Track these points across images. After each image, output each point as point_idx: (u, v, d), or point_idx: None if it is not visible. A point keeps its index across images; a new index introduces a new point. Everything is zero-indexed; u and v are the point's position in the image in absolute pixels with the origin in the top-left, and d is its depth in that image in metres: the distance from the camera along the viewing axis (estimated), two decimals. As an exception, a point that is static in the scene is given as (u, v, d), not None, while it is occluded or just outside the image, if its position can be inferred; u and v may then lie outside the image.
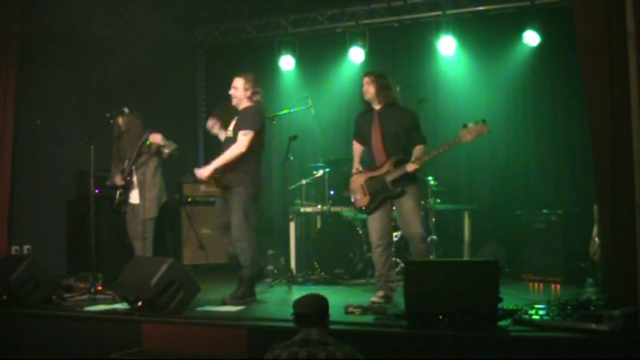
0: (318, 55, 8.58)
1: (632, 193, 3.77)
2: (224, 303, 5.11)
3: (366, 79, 5.26)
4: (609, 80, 4.21)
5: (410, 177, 5.14)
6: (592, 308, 4.00)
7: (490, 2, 7.57)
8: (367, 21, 8.15)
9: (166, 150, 6.06)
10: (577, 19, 4.50)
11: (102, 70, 7.29)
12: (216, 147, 9.20)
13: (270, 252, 7.64)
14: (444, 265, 4.39)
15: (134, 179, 6.12)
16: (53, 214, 7.15)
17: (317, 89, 8.10)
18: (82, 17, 7.06)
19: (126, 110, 6.02)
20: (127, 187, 6.11)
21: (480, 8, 7.62)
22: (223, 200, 5.45)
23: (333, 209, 7.08)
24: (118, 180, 6.11)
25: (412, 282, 4.04)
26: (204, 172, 5.33)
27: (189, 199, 8.02)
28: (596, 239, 5.64)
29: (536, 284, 6.21)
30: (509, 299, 4.48)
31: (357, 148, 5.52)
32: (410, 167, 5.05)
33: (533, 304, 4.43)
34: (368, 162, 5.39)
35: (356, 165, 5.48)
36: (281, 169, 6.77)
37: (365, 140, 5.38)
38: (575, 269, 6.11)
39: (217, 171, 5.28)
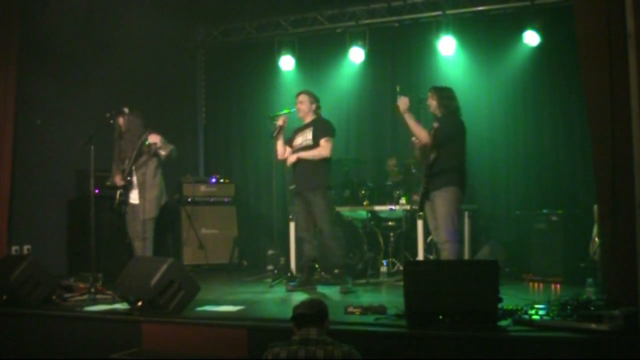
0: (318, 55, 8.59)
1: (632, 193, 3.77)
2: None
3: (429, 94, 5.57)
4: (609, 80, 4.20)
5: (439, 181, 5.31)
6: (592, 308, 3.99)
7: (490, 2, 7.57)
8: (367, 21, 8.14)
9: (163, 152, 6.06)
10: (577, 19, 4.50)
11: (103, 70, 7.29)
12: (216, 147, 9.27)
13: (270, 252, 7.64)
14: (444, 265, 4.39)
15: (134, 179, 6.12)
16: (53, 214, 7.15)
17: (317, 89, 8.08)
18: (82, 17, 7.07)
19: (126, 110, 6.02)
20: (127, 188, 6.11)
21: (480, 8, 7.61)
22: (301, 205, 6.00)
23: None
24: (118, 180, 6.11)
25: (412, 282, 4.04)
26: (292, 157, 6.01)
27: (189, 199, 8.02)
28: (596, 239, 5.64)
29: (536, 284, 6.21)
30: (509, 299, 4.47)
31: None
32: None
33: (533, 304, 4.43)
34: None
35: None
36: (281, 169, 6.76)
37: None
38: (575, 269, 6.11)
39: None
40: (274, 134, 6.13)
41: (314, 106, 6.07)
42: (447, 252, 5.22)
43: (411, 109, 5.40)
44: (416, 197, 5.91)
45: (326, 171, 5.99)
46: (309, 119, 6.08)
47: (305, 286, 5.95)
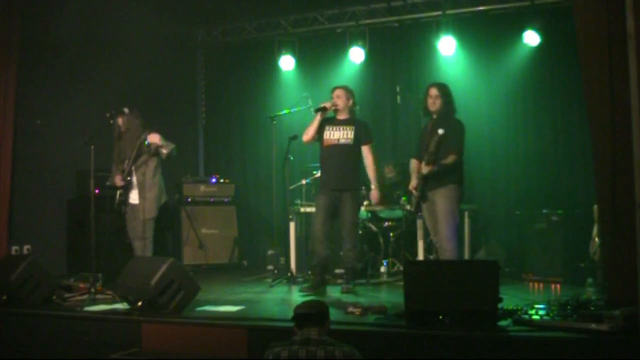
0: (318, 55, 8.58)
1: (632, 193, 3.77)
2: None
3: (435, 92, 5.52)
4: (609, 80, 4.20)
5: (438, 181, 5.33)
6: (592, 308, 4.00)
7: (490, 2, 7.57)
8: (367, 21, 8.14)
9: (164, 151, 6.07)
10: (577, 19, 4.50)
11: (103, 70, 7.29)
12: (216, 147, 9.27)
13: (270, 252, 7.65)
14: (444, 265, 4.39)
15: (134, 179, 6.13)
16: (53, 214, 7.15)
17: (317, 89, 8.10)
18: (82, 17, 7.07)
19: (126, 110, 6.03)
20: (127, 188, 6.12)
21: (480, 8, 7.61)
22: (328, 201, 5.83)
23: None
24: (118, 180, 6.12)
25: (412, 282, 4.04)
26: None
27: (189, 199, 8.02)
28: (596, 239, 5.64)
29: (536, 284, 6.21)
30: (509, 299, 4.48)
31: (414, 167, 5.73)
32: (425, 169, 5.37)
33: (533, 304, 4.43)
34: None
35: (414, 181, 5.64)
36: (281, 169, 6.76)
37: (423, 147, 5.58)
38: (575, 269, 6.11)
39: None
40: (318, 110, 5.93)
41: (350, 102, 5.97)
42: (448, 252, 5.23)
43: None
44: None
45: (360, 173, 5.97)
46: (345, 115, 5.96)
47: (319, 288, 5.79)
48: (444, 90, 5.54)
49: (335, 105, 5.93)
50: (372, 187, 5.94)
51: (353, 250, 5.86)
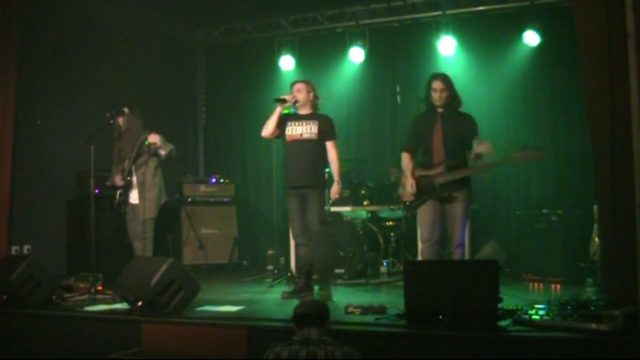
0: (318, 55, 8.58)
1: (632, 193, 3.76)
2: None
3: (440, 85, 5.24)
4: (609, 80, 4.21)
5: (461, 182, 5.13)
6: (592, 308, 3.99)
7: (490, 2, 7.58)
8: (367, 21, 8.14)
9: (162, 152, 6.07)
10: (577, 19, 4.50)
11: (103, 70, 7.29)
12: (216, 147, 9.27)
13: (270, 252, 7.65)
14: (444, 265, 4.39)
15: (134, 179, 6.12)
16: (53, 214, 7.15)
17: (317, 89, 8.08)
18: (82, 18, 7.07)
19: (126, 110, 6.02)
20: (127, 187, 6.12)
21: (480, 8, 7.62)
22: (297, 202, 5.57)
23: (333, 209, 7.08)
24: (118, 180, 6.12)
25: (412, 282, 4.04)
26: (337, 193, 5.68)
27: (189, 199, 8.02)
28: (596, 239, 5.64)
29: (536, 284, 6.21)
30: (509, 299, 4.47)
31: (408, 161, 5.41)
32: (462, 172, 5.11)
33: (533, 304, 4.43)
34: (422, 162, 5.41)
35: (410, 178, 5.31)
36: (281, 169, 6.75)
37: (422, 141, 5.35)
38: (575, 269, 6.10)
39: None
40: (277, 100, 5.65)
41: (311, 95, 5.71)
42: (458, 256, 5.10)
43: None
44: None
45: (324, 171, 5.75)
46: (307, 110, 5.70)
47: (302, 293, 5.47)
48: (449, 82, 5.27)
49: (295, 98, 5.64)
50: (335, 180, 5.63)
51: (322, 250, 5.56)
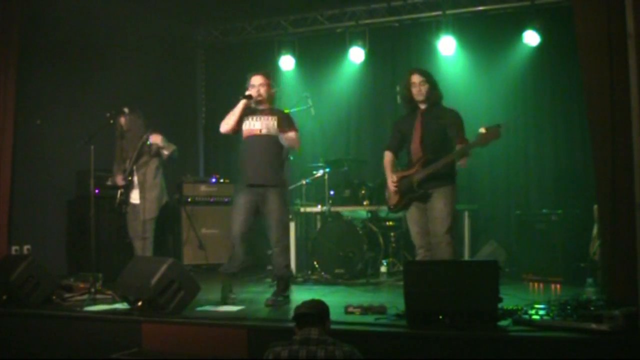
0: (318, 55, 8.59)
1: (632, 193, 3.77)
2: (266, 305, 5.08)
3: (418, 78, 5.02)
4: (609, 80, 4.21)
5: (441, 179, 4.92)
6: (592, 308, 3.99)
7: (490, 2, 7.58)
8: (367, 21, 8.14)
9: (165, 152, 6.08)
10: (577, 19, 4.50)
11: (103, 70, 7.30)
12: (216, 147, 9.26)
13: (270, 252, 7.62)
14: (444, 265, 4.39)
15: (135, 179, 6.12)
16: (53, 214, 7.14)
17: (317, 89, 8.10)
18: (82, 17, 7.07)
19: (126, 110, 6.02)
20: (128, 187, 6.11)
21: (480, 8, 7.62)
22: (249, 200, 5.29)
23: (333, 209, 7.09)
24: (119, 180, 6.11)
25: (412, 282, 4.04)
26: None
27: (189, 199, 8.02)
28: (596, 239, 5.64)
29: (536, 284, 6.21)
30: (509, 299, 4.47)
31: (389, 160, 5.26)
32: (436, 165, 4.86)
33: (533, 304, 4.43)
34: (406, 162, 5.25)
35: (390, 176, 5.18)
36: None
37: (405, 141, 5.20)
38: (575, 269, 6.11)
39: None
40: (245, 97, 5.38)
41: (273, 91, 5.48)
42: (447, 254, 4.86)
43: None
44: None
45: (285, 167, 5.47)
46: (266, 104, 5.43)
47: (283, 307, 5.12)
48: (427, 75, 5.04)
49: (260, 95, 5.38)
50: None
51: (282, 255, 5.36)
